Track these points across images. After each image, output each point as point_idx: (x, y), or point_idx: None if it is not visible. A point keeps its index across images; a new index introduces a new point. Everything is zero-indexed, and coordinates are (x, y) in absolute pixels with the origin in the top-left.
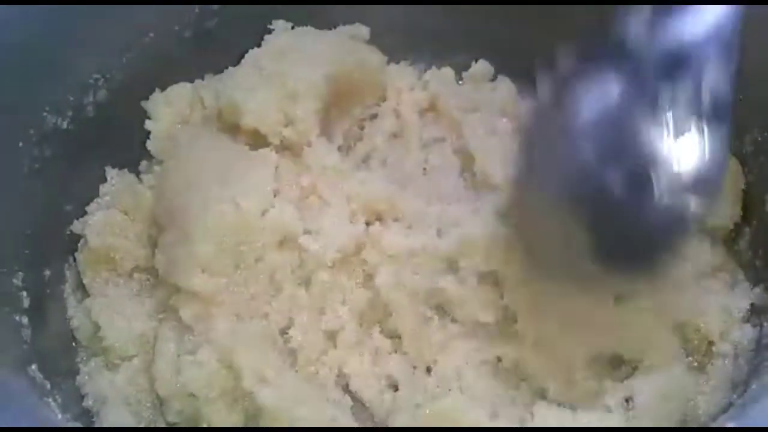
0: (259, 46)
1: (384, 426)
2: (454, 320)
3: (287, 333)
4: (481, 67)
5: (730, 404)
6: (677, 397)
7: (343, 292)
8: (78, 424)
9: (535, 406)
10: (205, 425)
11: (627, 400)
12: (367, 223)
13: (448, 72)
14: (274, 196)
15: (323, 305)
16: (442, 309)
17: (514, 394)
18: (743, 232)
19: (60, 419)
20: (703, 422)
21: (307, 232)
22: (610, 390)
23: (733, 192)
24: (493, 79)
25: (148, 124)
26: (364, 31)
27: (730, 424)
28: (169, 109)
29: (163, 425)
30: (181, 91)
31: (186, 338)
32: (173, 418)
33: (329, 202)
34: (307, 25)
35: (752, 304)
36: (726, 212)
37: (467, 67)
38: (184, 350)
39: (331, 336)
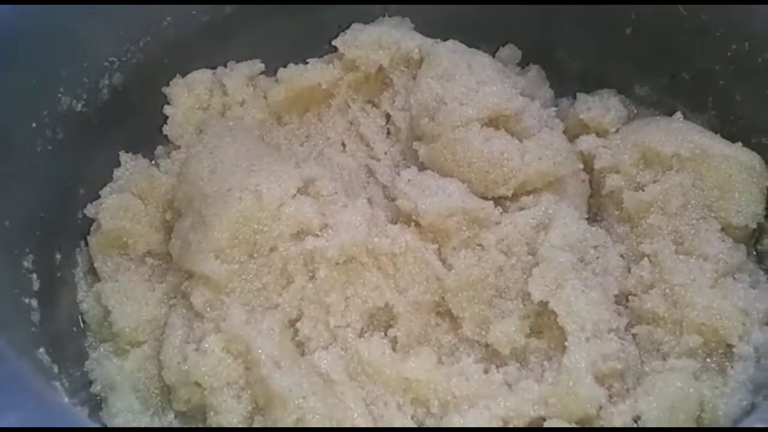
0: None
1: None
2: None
3: (295, 326)
4: (509, 51)
5: (753, 405)
6: (685, 407)
7: (352, 290)
8: (85, 410)
9: (545, 423)
10: (212, 414)
11: (635, 420)
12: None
13: None
14: (297, 191)
15: (332, 301)
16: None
17: None
18: None
19: (67, 402)
20: (722, 424)
21: (323, 227)
22: (616, 413)
23: (757, 190)
24: (523, 65)
25: (167, 109)
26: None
27: (760, 425)
28: (188, 95)
29: (171, 413)
30: (201, 77)
31: (195, 326)
32: (181, 407)
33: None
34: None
35: None
36: (749, 211)
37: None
38: (192, 338)
39: (339, 332)
